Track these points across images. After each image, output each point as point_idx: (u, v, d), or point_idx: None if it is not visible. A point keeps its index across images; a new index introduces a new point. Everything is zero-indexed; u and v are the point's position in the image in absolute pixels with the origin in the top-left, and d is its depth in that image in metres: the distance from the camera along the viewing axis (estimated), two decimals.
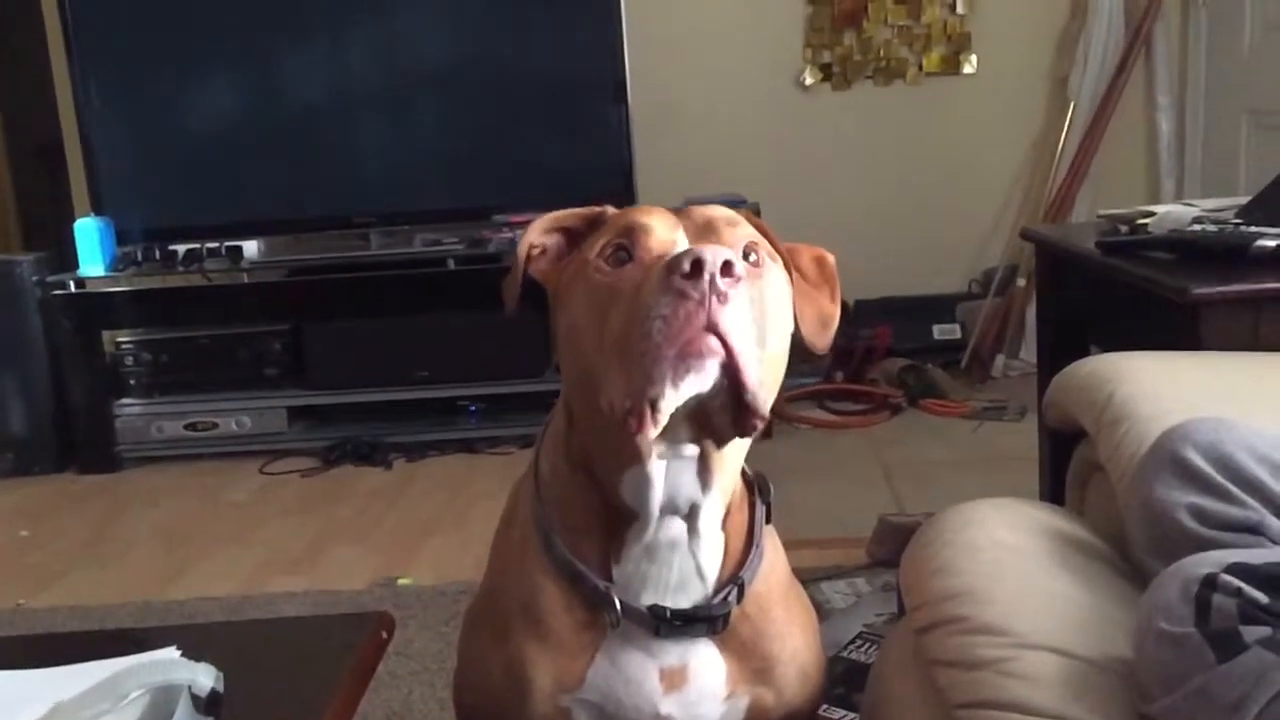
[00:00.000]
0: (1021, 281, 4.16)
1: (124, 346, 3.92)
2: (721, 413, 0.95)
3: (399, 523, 3.18)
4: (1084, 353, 1.97)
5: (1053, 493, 2.00)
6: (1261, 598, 0.86)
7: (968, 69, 4.35)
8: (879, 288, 4.27)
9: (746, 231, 1.04)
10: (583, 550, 1.09)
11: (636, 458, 1.00)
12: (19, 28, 4.54)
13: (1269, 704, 0.82)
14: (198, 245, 3.88)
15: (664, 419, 0.92)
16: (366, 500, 3.40)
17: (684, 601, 1.08)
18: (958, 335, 4.32)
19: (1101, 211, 2.37)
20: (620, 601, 1.07)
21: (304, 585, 2.75)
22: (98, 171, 3.95)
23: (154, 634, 1.39)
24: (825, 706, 1.25)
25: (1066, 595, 1.13)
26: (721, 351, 0.90)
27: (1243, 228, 1.85)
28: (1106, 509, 1.39)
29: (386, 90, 3.95)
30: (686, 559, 1.07)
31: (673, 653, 1.10)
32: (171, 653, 1.16)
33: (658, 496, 1.02)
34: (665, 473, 1.02)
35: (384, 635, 1.30)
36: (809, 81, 4.40)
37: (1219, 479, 1.08)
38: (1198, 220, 1.98)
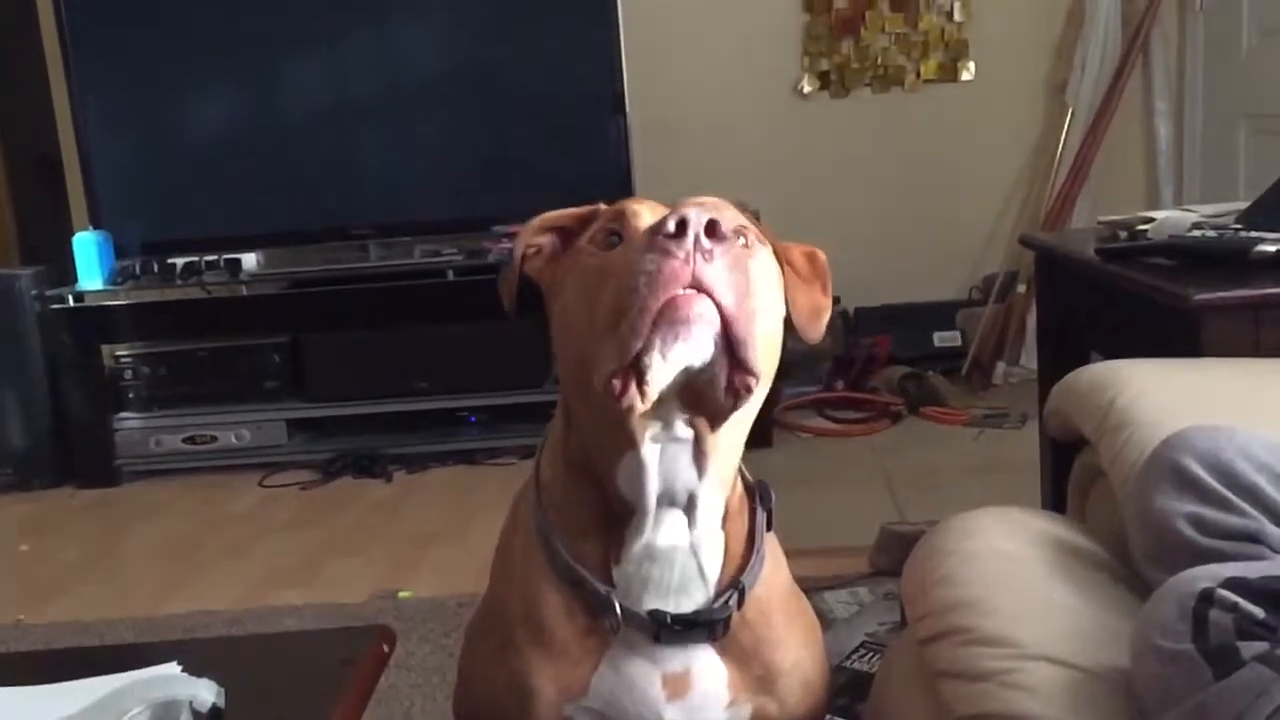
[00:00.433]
0: (1022, 288, 4.16)
1: (123, 360, 3.92)
2: (712, 389, 0.95)
3: (399, 535, 3.18)
4: (1085, 359, 1.96)
5: (1054, 500, 1.99)
6: (1258, 613, 0.86)
7: (965, 76, 4.36)
8: (879, 295, 4.27)
9: (736, 215, 1.04)
10: (583, 554, 1.09)
11: (630, 442, 1.00)
12: (17, 42, 4.55)
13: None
14: (196, 258, 3.88)
15: (653, 389, 0.93)
16: (366, 512, 3.40)
17: (685, 605, 1.08)
18: (958, 342, 4.32)
19: (1101, 218, 2.37)
20: (621, 606, 1.07)
21: (304, 598, 2.74)
22: (96, 185, 3.95)
23: (155, 649, 1.39)
24: (829, 717, 1.25)
25: (1069, 605, 1.13)
26: (709, 313, 0.91)
27: (1242, 233, 1.85)
28: (1109, 517, 1.38)
29: (384, 102, 3.96)
30: (687, 558, 1.07)
31: (675, 659, 1.10)
32: (173, 668, 1.16)
33: (653, 483, 1.02)
34: (660, 458, 1.01)
35: (385, 649, 1.30)
36: (807, 89, 4.41)
37: (1218, 487, 1.08)
38: (1197, 226, 1.98)
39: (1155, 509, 1.11)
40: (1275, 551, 1.04)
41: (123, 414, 3.89)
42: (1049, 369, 2.37)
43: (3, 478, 3.84)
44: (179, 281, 3.87)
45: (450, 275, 3.75)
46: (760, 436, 3.57)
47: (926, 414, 3.89)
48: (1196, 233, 1.93)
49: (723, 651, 1.11)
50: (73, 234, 3.93)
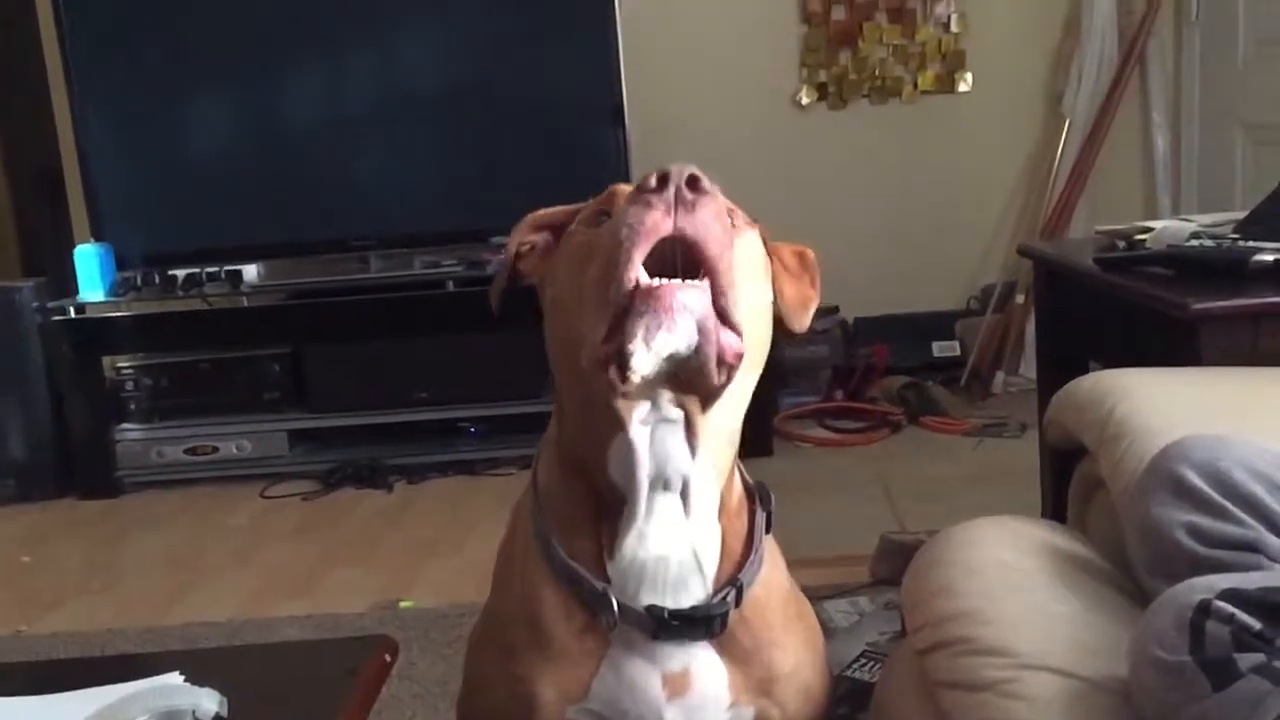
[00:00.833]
0: (1020, 298, 4.16)
1: (124, 371, 3.92)
2: (701, 370, 0.96)
3: (400, 545, 3.18)
4: (1084, 369, 1.97)
5: (1054, 509, 1.99)
6: (1255, 624, 0.86)
7: (963, 87, 4.37)
8: (878, 305, 4.28)
9: (722, 199, 1.04)
10: (578, 550, 1.09)
11: (619, 425, 1.00)
12: (18, 54, 4.55)
13: None
14: (197, 270, 3.88)
15: (638, 374, 0.94)
16: (367, 523, 3.40)
17: (684, 601, 1.08)
18: (957, 352, 4.32)
19: (1099, 227, 2.38)
20: (618, 602, 1.07)
21: (306, 609, 2.74)
22: (97, 197, 3.95)
23: (157, 659, 1.40)
24: None
25: (1068, 615, 1.13)
26: (693, 303, 0.92)
27: (1240, 242, 1.86)
28: (1108, 526, 1.39)
29: (384, 114, 3.96)
30: (683, 549, 1.07)
31: (674, 658, 1.10)
32: (174, 678, 1.16)
33: (644, 465, 1.02)
34: (650, 439, 1.02)
35: (387, 659, 1.30)
36: (805, 101, 4.41)
37: (1216, 497, 1.08)
38: (1195, 235, 1.98)
39: (1153, 518, 1.11)
40: (1273, 560, 1.04)
41: (124, 425, 3.89)
42: (1048, 378, 2.37)
43: (4, 489, 3.83)
44: (180, 293, 3.87)
45: (450, 286, 3.76)
46: (761, 446, 3.63)
47: (926, 423, 3.89)
48: (1195, 242, 1.94)
49: (722, 651, 1.11)
50: (74, 246, 3.93)
